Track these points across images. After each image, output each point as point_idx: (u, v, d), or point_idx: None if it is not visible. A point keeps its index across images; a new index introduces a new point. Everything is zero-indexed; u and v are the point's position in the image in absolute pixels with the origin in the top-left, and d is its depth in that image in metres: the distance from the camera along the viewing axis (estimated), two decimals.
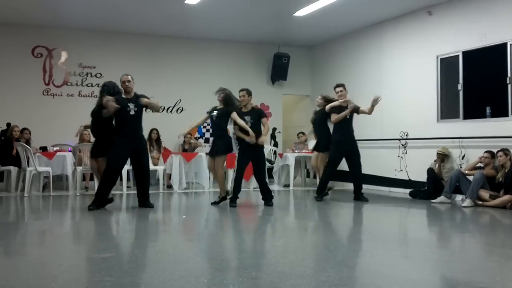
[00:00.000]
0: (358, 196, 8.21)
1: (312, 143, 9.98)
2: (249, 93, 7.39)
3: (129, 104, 6.75)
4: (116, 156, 6.75)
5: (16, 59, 10.79)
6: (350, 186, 10.77)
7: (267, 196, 7.41)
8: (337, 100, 8.10)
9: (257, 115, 7.37)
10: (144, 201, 7.01)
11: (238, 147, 7.38)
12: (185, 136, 10.85)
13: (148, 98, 7.00)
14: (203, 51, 12.10)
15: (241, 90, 7.42)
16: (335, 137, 8.13)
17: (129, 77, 6.85)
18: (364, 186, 10.44)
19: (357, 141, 10.81)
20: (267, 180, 7.66)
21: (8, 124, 9.66)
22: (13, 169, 8.96)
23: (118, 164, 6.83)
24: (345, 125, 8.05)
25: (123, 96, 6.83)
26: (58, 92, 11.10)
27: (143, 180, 7.02)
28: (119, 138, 6.76)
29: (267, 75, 12.66)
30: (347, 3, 9.16)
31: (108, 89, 6.82)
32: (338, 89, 8.18)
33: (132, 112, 6.75)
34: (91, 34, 11.22)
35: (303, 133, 11.37)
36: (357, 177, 8.29)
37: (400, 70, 10.06)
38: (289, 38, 11.97)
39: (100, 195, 6.73)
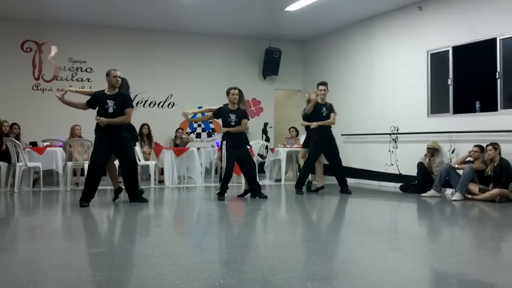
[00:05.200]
0: (343, 189, 8.45)
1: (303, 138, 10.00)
2: (241, 93, 7.57)
3: (108, 101, 6.66)
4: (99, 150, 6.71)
5: (5, 53, 10.70)
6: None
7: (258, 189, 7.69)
8: (315, 99, 8.27)
9: (241, 115, 7.53)
10: (135, 196, 6.98)
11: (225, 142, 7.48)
12: (179, 129, 10.93)
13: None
14: (194, 46, 12.07)
15: (234, 89, 7.54)
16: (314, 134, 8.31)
17: (118, 72, 6.76)
18: (355, 180, 10.50)
19: (348, 136, 10.84)
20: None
21: None
22: (3, 165, 8.90)
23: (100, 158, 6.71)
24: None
25: (106, 91, 6.74)
26: (48, 87, 11.02)
27: (128, 175, 6.91)
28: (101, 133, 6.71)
29: (258, 70, 12.66)
30: None
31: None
32: (321, 87, 8.28)
33: (110, 110, 6.65)
34: (82, 28, 11.14)
35: (294, 128, 11.38)
36: (340, 171, 8.52)
37: (390, 65, 10.09)
38: (281, 33, 11.96)
39: (86, 190, 6.69)
